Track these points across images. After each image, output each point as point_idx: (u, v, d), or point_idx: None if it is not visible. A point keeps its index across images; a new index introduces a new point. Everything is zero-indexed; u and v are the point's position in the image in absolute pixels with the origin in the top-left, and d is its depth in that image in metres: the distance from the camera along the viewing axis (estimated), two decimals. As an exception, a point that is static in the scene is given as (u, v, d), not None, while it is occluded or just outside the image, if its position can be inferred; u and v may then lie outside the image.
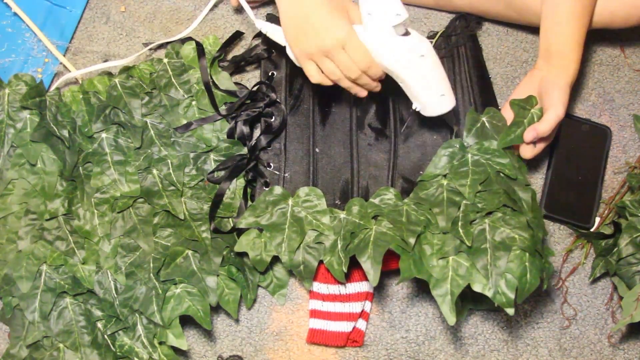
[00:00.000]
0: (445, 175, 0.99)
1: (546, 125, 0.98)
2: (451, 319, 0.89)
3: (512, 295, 0.89)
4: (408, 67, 0.93)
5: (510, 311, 0.89)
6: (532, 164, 1.10)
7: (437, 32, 1.11)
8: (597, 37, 1.14)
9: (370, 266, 0.91)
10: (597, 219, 1.06)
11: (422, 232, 0.94)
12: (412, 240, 0.93)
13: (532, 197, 0.96)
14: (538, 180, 1.09)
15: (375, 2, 0.90)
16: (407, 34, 0.92)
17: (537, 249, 0.92)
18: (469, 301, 1.03)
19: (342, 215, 0.99)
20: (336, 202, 1.03)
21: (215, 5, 1.16)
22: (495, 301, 0.89)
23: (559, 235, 1.08)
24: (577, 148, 1.08)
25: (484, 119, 1.01)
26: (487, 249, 0.92)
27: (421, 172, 1.03)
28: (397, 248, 0.92)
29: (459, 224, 0.94)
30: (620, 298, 1.00)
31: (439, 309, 1.00)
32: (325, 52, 0.93)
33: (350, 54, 0.93)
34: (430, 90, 0.94)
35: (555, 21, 0.98)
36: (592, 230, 1.06)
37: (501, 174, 0.97)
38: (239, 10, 1.16)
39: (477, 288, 0.90)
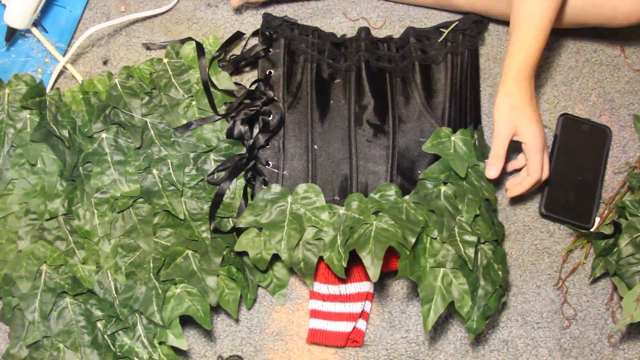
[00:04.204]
0: (445, 183, 0.99)
1: (495, 159, 1.00)
2: (428, 325, 0.92)
3: (482, 326, 0.95)
4: None
5: (471, 337, 0.94)
6: (532, 164, 1.10)
7: (452, 23, 1.10)
8: (597, 37, 1.14)
9: (370, 262, 0.91)
10: (597, 219, 1.06)
11: (420, 232, 0.95)
12: (412, 240, 0.93)
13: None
14: (538, 180, 1.10)
15: None
16: None
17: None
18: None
19: (341, 211, 0.99)
20: (335, 198, 1.03)
21: (215, 6, 1.16)
22: (466, 325, 0.95)
23: (559, 235, 1.08)
24: (577, 148, 1.08)
25: (475, 136, 1.03)
26: (478, 276, 0.96)
27: (419, 171, 1.03)
28: (397, 246, 0.92)
29: (459, 241, 0.95)
30: (620, 298, 1.00)
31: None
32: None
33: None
34: None
35: (512, 40, 1.00)
36: (592, 230, 1.06)
37: (485, 202, 1.00)
38: (239, 10, 1.16)
39: (457, 307, 0.94)
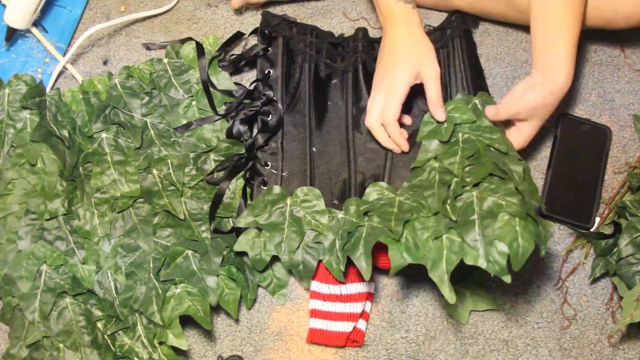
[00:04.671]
0: (436, 157, 0.98)
1: (502, 110, 0.97)
2: (451, 298, 0.86)
3: (504, 262, 0.86)
4: None
5: (507, 279, 0.85)
6: (532, 164, 1.10)
7: (449, 22, 1.10)
8: (597, 37, 1.14)
9: (363, 262, 0.91)
10: (597, 219, 1.06)
11: (408, 220, 0.92)
12: (399, 229, 0.92)
13: (525, 169, 0.93)
14: (538, 181, 1.09)
15: None
16: None
17: (529, 214, 0.88)
18: (469, 303, 1.03)
19: (340, 215, 0.99)
20: (334, 202, 1.03)
21: (215, 6, 1.16)
22: (489, 270, 0.86)
23: (559, 235, 1.08)
24: (577, 148, 1.08)
25: (475, 100, 1.00)
26: (475, 220, 0.89)
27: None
28: (385, 239, 0.91)
29: (448, 202, 0.92)
30: (620, 298, 1.00)
31: (439, 290, 0.96)
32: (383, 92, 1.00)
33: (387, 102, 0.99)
34: None
35: (546, 33, 0.95)
36: (592, 230, 1.06)
37: (491, 148, 0.96)
38: (239, 11, 1.16)
39: (469, 261, 0.87)
